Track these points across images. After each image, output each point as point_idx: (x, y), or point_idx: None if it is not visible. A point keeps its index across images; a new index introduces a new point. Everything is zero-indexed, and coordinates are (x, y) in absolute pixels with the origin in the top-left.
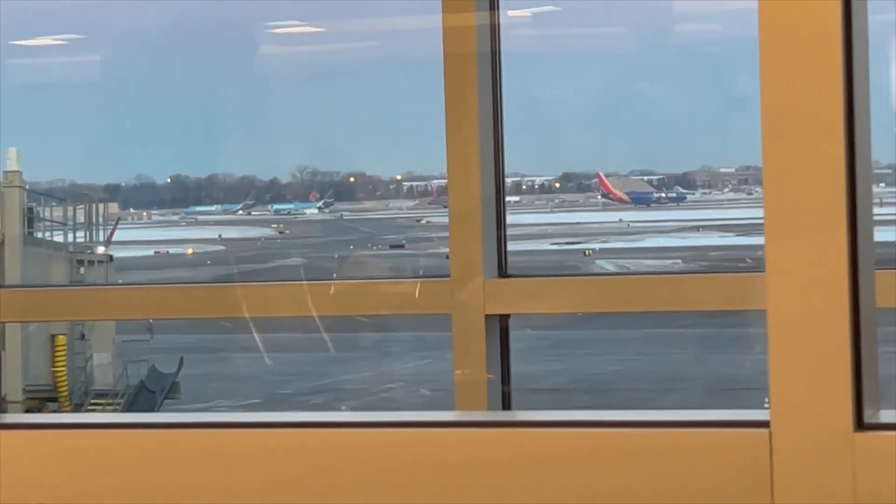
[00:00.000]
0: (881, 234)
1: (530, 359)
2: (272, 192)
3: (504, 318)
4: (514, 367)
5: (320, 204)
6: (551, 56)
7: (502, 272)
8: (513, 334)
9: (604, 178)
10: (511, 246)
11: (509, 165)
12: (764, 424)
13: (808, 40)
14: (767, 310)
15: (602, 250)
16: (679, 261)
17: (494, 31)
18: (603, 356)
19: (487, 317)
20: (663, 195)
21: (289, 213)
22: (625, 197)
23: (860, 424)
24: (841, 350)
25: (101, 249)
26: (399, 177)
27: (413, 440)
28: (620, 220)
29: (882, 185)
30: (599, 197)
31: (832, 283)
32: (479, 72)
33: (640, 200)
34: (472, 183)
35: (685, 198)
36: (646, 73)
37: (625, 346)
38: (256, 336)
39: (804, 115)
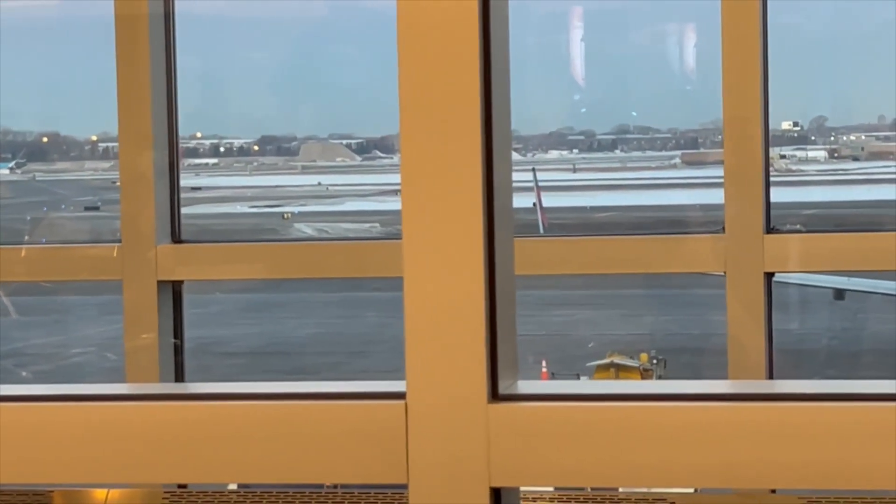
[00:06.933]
0: (576, 200)
1: (226, 322)
2: None
3: (178, 284)
4: (210, 331)
5: (12, 164)
6: (245, 18)
7: (176, 238)
8: (205, 298)
9: None
10: (208, 209)
11: (207, 128)
12: (400, 396)
13: (446, 33)
14: (404, 280)
15: (301, 213)
16: (377, 224)
17: None
18: (300, 319)
19: (160, 283)
20: None
21: None
22: None
23: (495, 395)
24: (476, 321)
25: None
26: (94, 137)
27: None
28: (319, 184)
29: (576, 151)
30: None
31: (468, 254)
32: (151, 34)
33: None
34: (145, 146)
35: None
36: (339, 37)
37: (322, 309)
38: None
39: (441, 92)
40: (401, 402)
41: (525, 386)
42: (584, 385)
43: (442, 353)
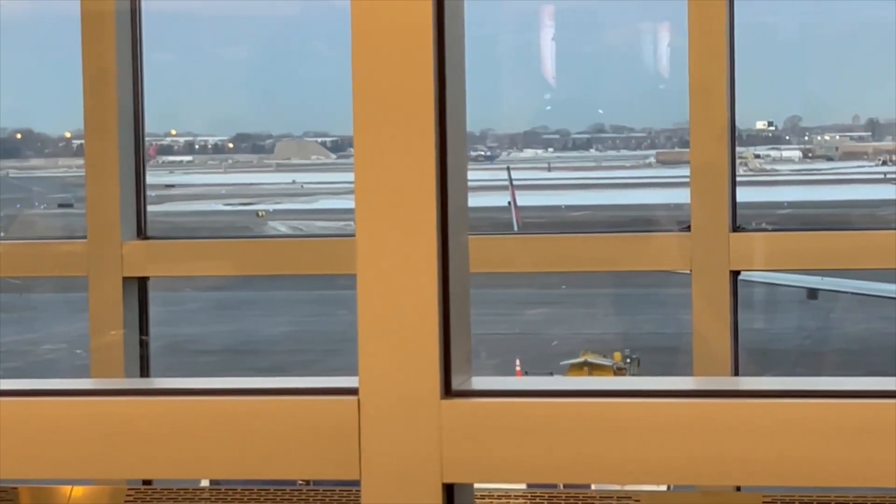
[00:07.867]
0: (551, 199)
1: (201, 320)
2: None
3: (143, 281)
4: (184, 329)
5: None
6: (219, 16)
7: (142, 234)
8: (180, 295)
9: None
10: (182, 206)
11: (182, 125)
12: (353, 392)
13: (400, 32)
14: (357, 275)
15: (275, 211)
16: (352, 222)
17: None
18: (275, 317)
19: (126, 279)
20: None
21: None
22: None
23: (448, 392)
24: (429, 318)
25: None
26: (68, 134)
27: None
28: (294, 182)
29: (550, 149)
30: None
31: (421, 251)
32: (118, 31)
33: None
34: (110, 142)
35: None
36: (313, 34)
37: (297, 307)
38: None
39: (395, 91)
40: (353, 398)
41: (478, 382)
42: (538, 381)
43: (395, 349)
